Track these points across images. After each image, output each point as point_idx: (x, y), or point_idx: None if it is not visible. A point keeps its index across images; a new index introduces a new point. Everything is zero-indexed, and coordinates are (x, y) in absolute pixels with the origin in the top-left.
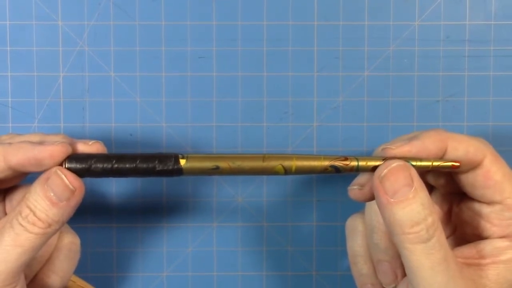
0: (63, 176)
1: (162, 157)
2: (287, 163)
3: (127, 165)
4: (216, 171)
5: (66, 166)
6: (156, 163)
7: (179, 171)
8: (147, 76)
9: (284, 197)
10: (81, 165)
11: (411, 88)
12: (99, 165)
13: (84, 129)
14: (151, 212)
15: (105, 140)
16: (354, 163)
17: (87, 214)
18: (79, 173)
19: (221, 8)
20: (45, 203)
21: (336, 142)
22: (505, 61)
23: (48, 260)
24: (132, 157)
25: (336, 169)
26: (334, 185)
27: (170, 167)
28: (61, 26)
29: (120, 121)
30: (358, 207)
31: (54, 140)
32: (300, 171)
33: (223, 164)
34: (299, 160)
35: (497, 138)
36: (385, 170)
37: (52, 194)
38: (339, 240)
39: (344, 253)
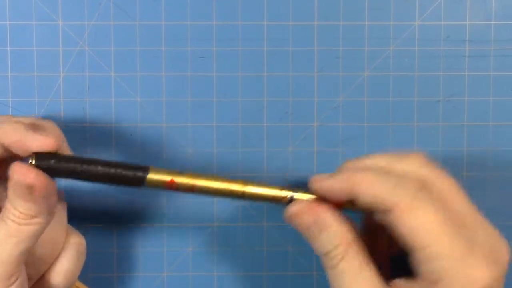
0: (15, 175)
1: (126, 167)
2: (239, 188)
3: (91, 169)
4: (174, 186)
5: (33, 163)
6: (119, 170)
7: (140, 182)
8: (147, 76)
9: None
10: (46, 163)
11: (411, 88)
12: (64, 166)
13: (84, 129)
14: (151, 212)
15: (105, 140)
16: (289, 195)
17: (87, 214)
18: (46, 171)
19: (221, 8)
20: (19, 200)
21: (336, 142)
22: (505, 61)
23: (54, 261)
24: (97, 162)
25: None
26: None
27: (131, 176)
28: (61, 26)
29: (120, 121)
30: None
31: (46, 127)
32: (252, 198)
33: (181, 180)
34: (253, 187)
35: (497, 138)
36: (293, 208)
37: (20, 192)
38: None
39: None
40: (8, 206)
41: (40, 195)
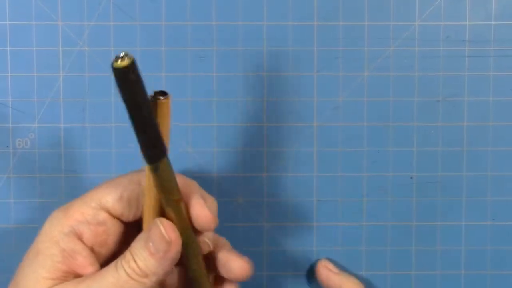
0: (161, 227)
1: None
2: None
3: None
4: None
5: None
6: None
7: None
8: (147, 76)
9: (284, 197)
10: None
11: (411, 88)
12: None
13: (84, 129)
14: None
15: (105, 140)
16: None
17: None
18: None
19: (221, 8)
20: (144, 253)
21: (336, 142)
22: (505, 61)
23: None
24: (147, 114)
25: None
26: (334, 185)
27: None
28: (61, 26)
29: (120, 121)
30: (357, 207)
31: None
32: None
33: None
34: None
35: (497, 138)
36: None
37: (151, 244)
38: (339, 240)
39: (344, 253)
40: (128, 256)
41: (172, 253)
